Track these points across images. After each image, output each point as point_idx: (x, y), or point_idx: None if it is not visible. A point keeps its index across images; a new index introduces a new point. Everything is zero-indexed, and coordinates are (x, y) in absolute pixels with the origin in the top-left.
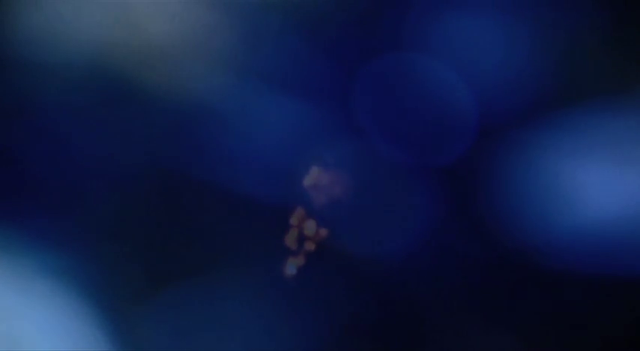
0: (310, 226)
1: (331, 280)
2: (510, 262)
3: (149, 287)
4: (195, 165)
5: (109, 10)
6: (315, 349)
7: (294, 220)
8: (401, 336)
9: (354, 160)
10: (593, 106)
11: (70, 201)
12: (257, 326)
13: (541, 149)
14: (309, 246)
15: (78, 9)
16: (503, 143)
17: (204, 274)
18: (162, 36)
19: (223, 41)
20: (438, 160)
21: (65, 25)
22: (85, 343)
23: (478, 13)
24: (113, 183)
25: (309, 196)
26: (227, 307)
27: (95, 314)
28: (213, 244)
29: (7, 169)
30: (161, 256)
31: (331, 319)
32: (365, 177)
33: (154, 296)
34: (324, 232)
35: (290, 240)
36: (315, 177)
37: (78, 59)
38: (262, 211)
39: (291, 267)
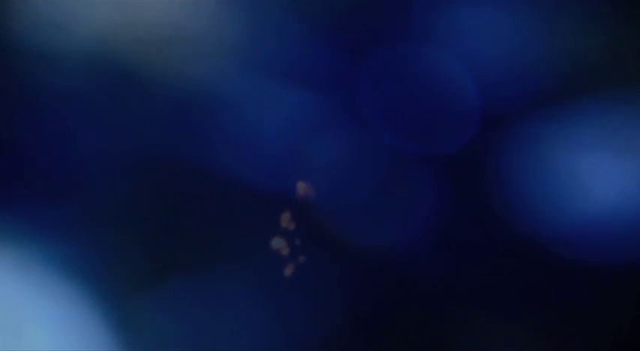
0: (311, 218)
1: (333, 271)
2: (514, 252)
3: (151, 277)
4: (199, 155)
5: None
6: (318, 340)
7: (292, 214)
8: (404, 327)
9: (356, 149)
10: (597, 97)
11: (72, 191)
12: (259, 317)
13: (545, 140)
14: (310, 237)
15: None
16: (506, 134)
17: (206, 265)
18: (165, 25)
19: (226, 30)
20: (442, 150)
21: (68, 13)
22: (86, 333)
23: (482, 3)
24: (115, 173)
25: (308, 195)
26: (229, 297)
27: (97, 304)
28: (216, 235)
29: (10, 158)
30: (163, 246)
31: (333, 310)
32: (368, 167)
33: (155, 287)
34: (325, 223)
35: (290, 232)
36: (304, 191)
37: (80, 48)
38: (267, 202)
39: (294, 258)
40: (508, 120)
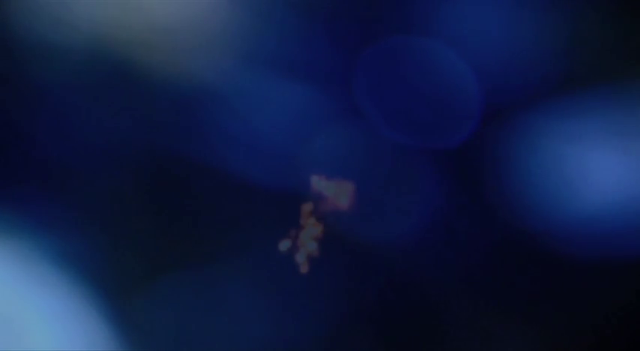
0: (316, 214)
1: (338, 266)
2: (516, 245)
3: (148, 274)
4: (198, 151)
5: None
6: (324, 335)
7: (301, 209)
8: (409, 322)
9: (358, 144)
10: (598, 90)
11: (69, 186)
12: (260, 314)
13: (546, 135)
14: (316, 233)
15: None
16: (508, 128)
17: (205, 261)
18: (165, 19)
19: (226, 24)
20: (444, 144)
21: (68, 6)
22: (82, 330)
23: None
24: (113, 168)
25: (315, 192)
26: (227, 295)
27: (97, 303)
28: (215, 231)
29: (7, 153)
30: (160, 242)
31: (339, 305)
32: (370, 161)
33: (152, 283)
34: (330, 219)
35: (296, 228)
36: (317, 186)
37: (80, 41)
38: (265, 198)
39: (298, 255)
40: (509, 114)
